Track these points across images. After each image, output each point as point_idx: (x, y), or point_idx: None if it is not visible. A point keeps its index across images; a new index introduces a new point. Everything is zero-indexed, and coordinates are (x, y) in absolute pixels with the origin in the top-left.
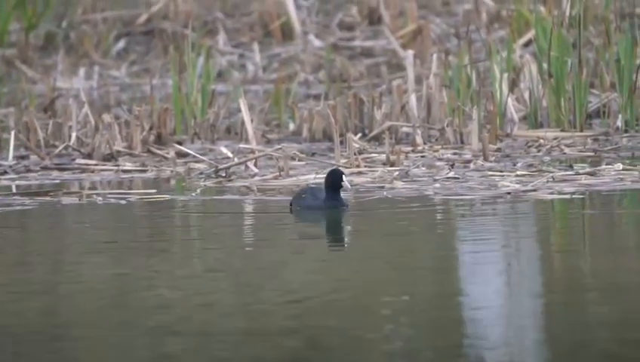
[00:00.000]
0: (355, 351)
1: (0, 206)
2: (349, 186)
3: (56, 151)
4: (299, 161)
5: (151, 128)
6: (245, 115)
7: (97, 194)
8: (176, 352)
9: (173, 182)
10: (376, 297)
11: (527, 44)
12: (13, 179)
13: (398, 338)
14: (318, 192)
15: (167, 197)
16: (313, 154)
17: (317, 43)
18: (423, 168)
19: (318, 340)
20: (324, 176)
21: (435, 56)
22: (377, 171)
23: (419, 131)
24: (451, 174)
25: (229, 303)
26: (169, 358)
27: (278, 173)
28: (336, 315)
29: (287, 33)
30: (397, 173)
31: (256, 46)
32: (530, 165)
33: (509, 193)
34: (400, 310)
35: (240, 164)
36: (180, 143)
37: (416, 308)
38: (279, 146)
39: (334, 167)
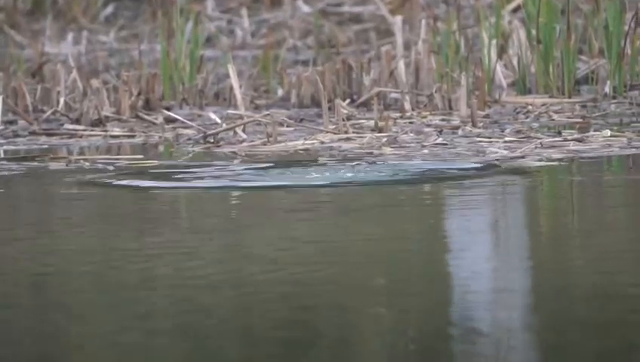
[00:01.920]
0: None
1: None
2: None
3: (45, 116)
4: (287, 126)
5: (139, 94)
6: (234, 80)
7: (85, 160)
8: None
9: (161, 147)
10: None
11: (515, 10)
12: (1, 144)
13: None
14: None
15: (154, 162)
16: (302, 120)
17: (305, 9)
18: (412, 134)
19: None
20: None
21: (423, 22)
22: (366, 137)
23: (407, 97)
24: (439, 140)
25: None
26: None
27: (266, 139)
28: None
29: None
30: (385, 139)
31: (244, 11)
32: (519, 131)
33: (497, 160)
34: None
35: (228, 129)
36: (168, 109)
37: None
38: (267, 112)
39: None
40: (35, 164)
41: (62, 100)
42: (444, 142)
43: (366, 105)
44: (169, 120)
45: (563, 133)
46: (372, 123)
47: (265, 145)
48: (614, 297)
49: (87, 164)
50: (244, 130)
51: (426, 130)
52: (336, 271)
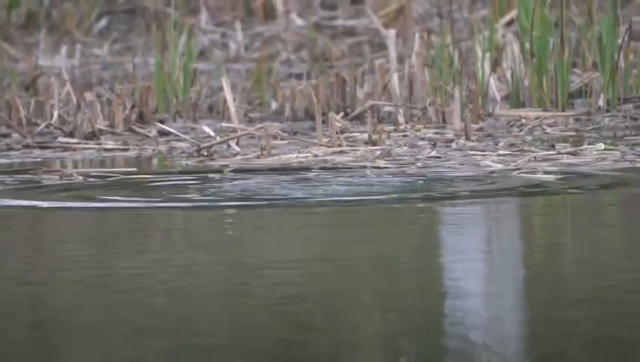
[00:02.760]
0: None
1: None
2: None
3: (38, 129)
4: (281, 140)
5: (133, 107)
6: (227, 93)
7: (78, 173)
8: None
9: (155, 160)
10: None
11: (509, 24)
12: None
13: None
14: None
15: (148, 176)
16: (295, 133)
17: (299, 22)
18: (405, 147)
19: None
20: None
21: (417, 35)
22: (359, 150)
23: (401, 110)
24: (433, 153)
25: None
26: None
27: (260, 152)
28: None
29: (269, 12)
30: (379, 152)
31: (238, 25)
32: (512, 144)
33: (492, 173)
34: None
35: (222, 142)
36: (161, 122)
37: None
38: (261, 125)
39: None
40: (29, 176)
41: (55, 113)
42: (438, 155)
43: (360, 118)
44: (163, 133)
45: (557, 147)
46: (366, 136)
47: (259, 158)
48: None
49: (80, 178)
50: (237, 143)
51: (420, 143)
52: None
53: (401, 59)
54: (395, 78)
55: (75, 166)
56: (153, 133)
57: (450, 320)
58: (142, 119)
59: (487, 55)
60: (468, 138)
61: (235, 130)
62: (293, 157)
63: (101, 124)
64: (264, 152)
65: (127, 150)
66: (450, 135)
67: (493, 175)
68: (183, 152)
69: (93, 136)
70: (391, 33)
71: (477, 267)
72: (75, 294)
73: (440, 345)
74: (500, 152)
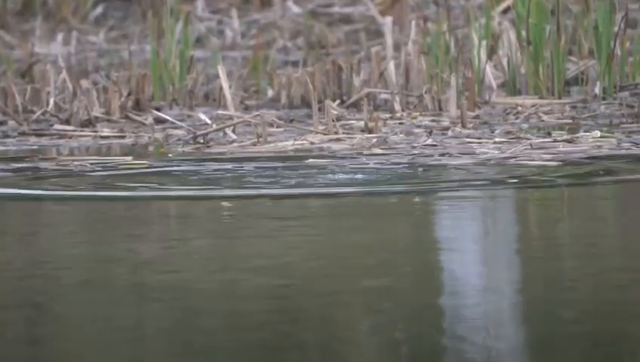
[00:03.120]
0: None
1: None
2: None
3: (34, 116)
4: (277, 127)
5: (129, 94)
6: (223, 81)
7: (73, 161)
8: None
9: (151, 148)
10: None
11: (505, 11)
12: None
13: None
14: None
15: (144, 163)
16: (291, 120)
17: (295, 9)
18: (401, 135)
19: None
20: None
21: (413, 22)
22: (355, 138)
23: (397, 98)
24: (429, 141)
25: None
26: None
27: (256, 140)
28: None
29: None
30: (375, 139)
31: (234, 12)
32: (509, 132)
33: (488, 160)
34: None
35: (218, 130)
36: (158, 109)
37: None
38: (257, 113)
39: None
40: (24, 164)
41: (52, 101)
42: (434, 143)
43: (356, 106)
44: (159, 120)
45: (553, 134)
46: (362, 124)
47: (255, 145)
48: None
49: (76, 164)
50: (234, 131)
51: (416, 130)
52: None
53: (397, 47)
54: (391, 65)
55: (72, 153)
56: (149, 120)
57: (446, 317)
58: (138, 106)
59: (484, 42)
60: (464, 126)
61: (231, 118)
62: (289, 145)
63: (97, 112)
64: (260, 140)
65: (123, 138)
66: (446, 123)
67: (490, 162)
68: (179, 140)
69: (89, 123)
70: (387, 21)
71: (473, 261)
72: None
73: (436, 342)
74: (496, 140)
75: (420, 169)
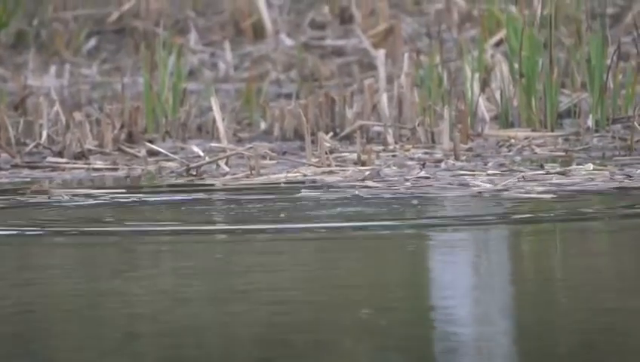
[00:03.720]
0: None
1: None
2: None
3: (27, 149)
4: (270, 159)
5: (122, 126)
6: (217, 113)
7: (66, 193)
8: None
9: (144, 180)
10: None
11: (498, 44)
12: None
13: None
14: None
15: (137, 196)
16: (284, 153)
17: (288, 42)
18: (394, 167)
19: None
20: None
21: (406, 55)
22: (348, 170)
23: (390, 131)
24: (422, 174)
25: None
26: None
27: (249, 172)
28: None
29: (258, 32)
30: (368, 172)
31: (227, 45)
32: (502, 164)
33: (480, 192)
34: None
35: (211, 162)
36: (151, 142)
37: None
38: (250, 145)
39: None
40: (17, 197)
41: (44, 133)
42: (427, 175)
43: (349, 138)
44: (152, 153)
45: (545, 167)
46: (355, 156)
47: (248, 177)
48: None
49: (67, 197)
50: (227, 163)
51: (409, 163)
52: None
53: (390, 79)
54: (384, 98)
55: (64, 186)
56: (142, 152)
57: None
58: (131, 139)
59: (476, 75)
60: (457, 158)
61: (224, 150)
62: (282, 177)
63: (90, 144)
64: (253, 172)
65: (116, 170)
66: (439, 155)
67: (484, 195)
68: (172, 172)
69: (82, 155)
70: (380, 53)
71: (467, 298)
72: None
73: None
74: (489, 172)
75: (415, 202)
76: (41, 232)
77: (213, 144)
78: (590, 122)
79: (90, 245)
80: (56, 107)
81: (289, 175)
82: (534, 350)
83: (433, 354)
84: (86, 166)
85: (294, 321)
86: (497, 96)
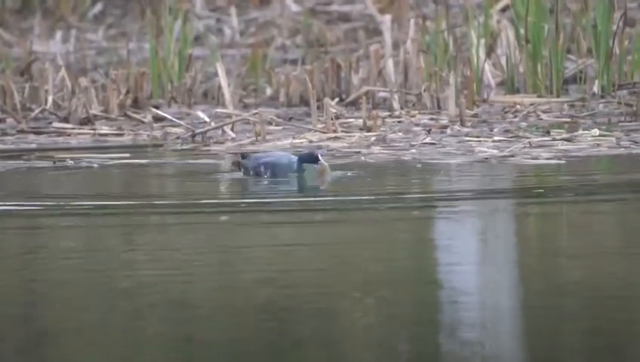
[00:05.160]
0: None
1: None
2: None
3: (33, 114)
4: (276, 125)
5: (127, 92)
6: (222, 79)
7: (71, 158)
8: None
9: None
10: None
11: (504, 10)
12: None
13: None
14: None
15: (143, 161)
16: (290, 119)
17: (294, 7)
18: (400, 133)
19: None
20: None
21: (412, 21)
22: (354, 136)
23: (396, 96)
24: (428, 140)
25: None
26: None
27: (254, 138)
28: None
29: None
30: (374, 138)
31: (233, 10)
32: (507, 131)
33: (486, 158)
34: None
35: (217, 128)
36: (156, 107)
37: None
38: (256, 111)
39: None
40: (22, 162)
41: (50, 99)
42: (433, 141)
43: (354, 104)
44: (157, 118)
45: (551, 133)
46: (361, 122)
47: (253, 143)
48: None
49: (72, 162)
50: (232, 129)
51: (415, 129)
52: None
53: (396, 45)
54: (390, 63)
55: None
56: (148, 118)
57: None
58: (136, 104)
59: (482, 41)
60: (463, 124)
61: (229, 116)
62: (287, 143)
63: (96, 110)
64: (259, 138)
65: (121, 135)
66: (444, 121)
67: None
68: (177, 138)
69: (87, 121)
70: (386, 19)
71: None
72: None
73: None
74: (495, 138)
75: (419, 165)
76: None
77: (218, 110)
78: (596, 88)
79: None
80: (62, 72)
81: (295, 140)
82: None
83: None
84: (92, 131)
85: (305, 282)
86: (503, 62)
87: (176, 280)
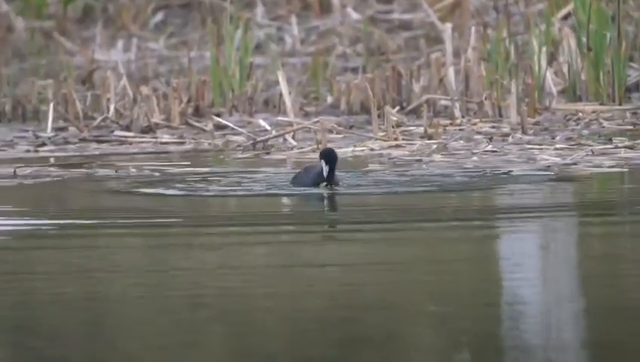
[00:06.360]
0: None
1: (38, 177)
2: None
3: (95, 123)
4: (336, 133)
5: (189, 100)
6: (283, 87)
7: (133, 166)
8: None
9: (210, 154)
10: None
11: (566, 17)
12: (52, 151)
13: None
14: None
15: (204, 169)
16: (351, 127)
17: (355, 16)
18: (461, 141)
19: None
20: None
21: (473, 29)
22: (415, 144)
23: (457, 104)
24: (489, 148)
25: None
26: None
27: (315, 146)
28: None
29: (325, 6)
30: (435, 146)
31: (294, 19)
32: (569, 138)
33: (548, 166)
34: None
35: (278, 136)
36: (218, 115)
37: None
38: (317, 119)
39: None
40: (84, 170)
41: (112, 107)
42: (494, 149)
43: (415, 112)
44: (219, 126)
45: (614, 141)
46: (422, 130)
47: (314, 151)
48: None
49: (134, 170)
50: (293, 137)
51: (476, 137)
52: None
53: (457, 53)
54: (451, 71)
55: (131, 159)
56: (209, 126)
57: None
58: (198, 113)
59: (544, 49)
60: (524, 132)
61: (290, 124)
62: (348, 151)
63: (157, 118)
64: (320, 146)
65: (183, 144)
66: (506, 129)
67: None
68: (239, 146)
69: (149, 129)
70: (447, 27)
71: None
72: None
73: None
74: (557, 146)
75: (488, 171)
76: None
77: (279, 118)
78: None
79: None
80: (124, 81)
81: (356, 149)
82: None
83: None
84: (153, 140)
85: (368, 282)
86: (565, 69)
87: (258, 293)
